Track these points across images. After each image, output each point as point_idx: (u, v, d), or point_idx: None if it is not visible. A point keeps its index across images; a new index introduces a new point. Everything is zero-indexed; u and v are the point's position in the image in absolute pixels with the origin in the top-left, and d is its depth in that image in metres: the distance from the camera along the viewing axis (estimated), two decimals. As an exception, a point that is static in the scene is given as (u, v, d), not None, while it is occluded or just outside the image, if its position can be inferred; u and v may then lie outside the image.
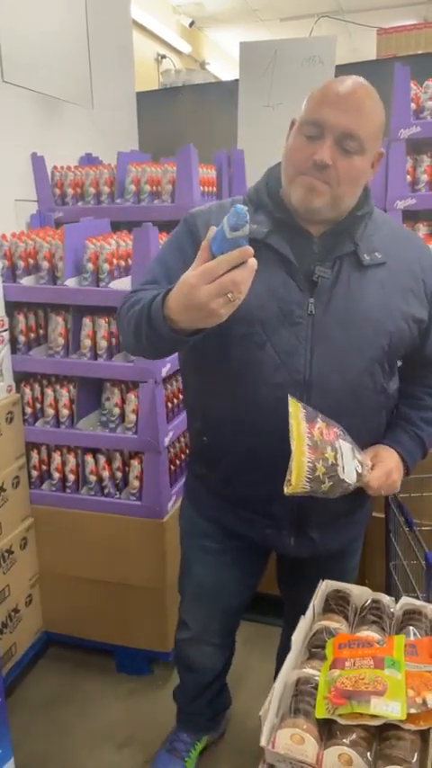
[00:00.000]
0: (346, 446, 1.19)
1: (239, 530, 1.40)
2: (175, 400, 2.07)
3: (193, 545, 1.51)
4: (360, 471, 1.22)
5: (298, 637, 1.04)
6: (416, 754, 0.81)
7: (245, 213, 0.90)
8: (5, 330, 1.92)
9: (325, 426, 1.17)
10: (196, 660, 1.64)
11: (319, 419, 1.16)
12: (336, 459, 1.15)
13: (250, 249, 0.92)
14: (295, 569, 1.47)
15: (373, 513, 1.90)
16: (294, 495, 1.13)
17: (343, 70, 2.12)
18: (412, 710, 0.83)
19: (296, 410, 1.14)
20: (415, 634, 1.01)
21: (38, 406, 2.05)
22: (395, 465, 1.31)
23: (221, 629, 1.61)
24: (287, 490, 1.12)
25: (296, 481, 1.12)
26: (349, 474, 1.18)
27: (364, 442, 1.27)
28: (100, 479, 2.01)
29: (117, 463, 2.02)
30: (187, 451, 2.04)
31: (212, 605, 1.55)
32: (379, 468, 1.27)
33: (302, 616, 1.08)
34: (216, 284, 0.93)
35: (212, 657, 1.64)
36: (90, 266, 1.90)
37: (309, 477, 1.12)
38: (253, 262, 0.94)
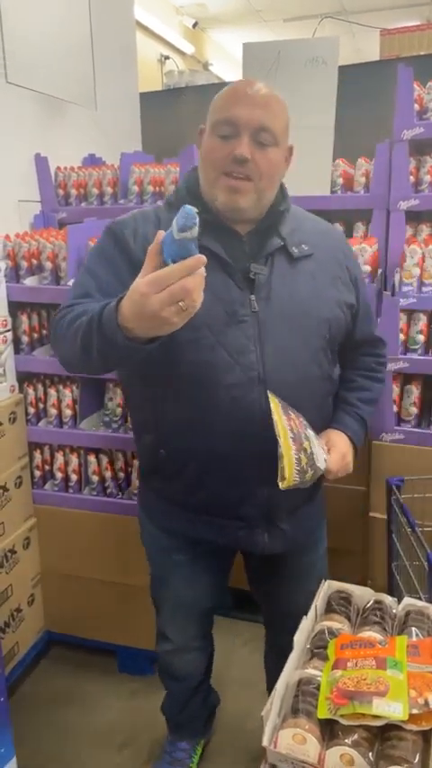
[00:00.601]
0: (311, 434, 1.23)
1: (207, 536, 1.38)
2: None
3: (164, 561, 1.51)
4: (324, 457, 1.26)
5: (300, 637, 1.04)
6: (418, 755, 0.81)
7: (194, 214, 0.88)
8: (9, 330, 1.93)
9: (296, 418, 1.20)
10: (181, 668, 1.64)
11: (290, 411, 1.19)
12: (310, 447, 1.19)
13: (204, 258, 0.91)
14: (266, 567, 1.48)
15: (376, 515, 1.91)
16: (288, 489, 1.15)
17: (346, 71, 2.13)
18: (414, 711, 0.83)
19: (276, 406, 1.16)
20: (417, 635, 1.01)
21: (41, 406, 2.05)
22: (347, 448, 1.37)
23: (200, 633, 1.62)
24: (282, 485, 1.14)
25: (289, 475, 1.14)
26: (321, 461, 1.22)
27: (317, 428, 1.31)
28: (102, 479, 2.01)
29: (119, 463, 2.03)
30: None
31: (191, 613, 1.56)
32: (335, 452, 1.32)
33: (304, 616, 1.08)
34: (167, 292, 0.91)
35: (196, 662, 1.66)
36: (93, 267, 1.90)
37: (297, 469, 1.15)
38: (203, 269, 0.92)
